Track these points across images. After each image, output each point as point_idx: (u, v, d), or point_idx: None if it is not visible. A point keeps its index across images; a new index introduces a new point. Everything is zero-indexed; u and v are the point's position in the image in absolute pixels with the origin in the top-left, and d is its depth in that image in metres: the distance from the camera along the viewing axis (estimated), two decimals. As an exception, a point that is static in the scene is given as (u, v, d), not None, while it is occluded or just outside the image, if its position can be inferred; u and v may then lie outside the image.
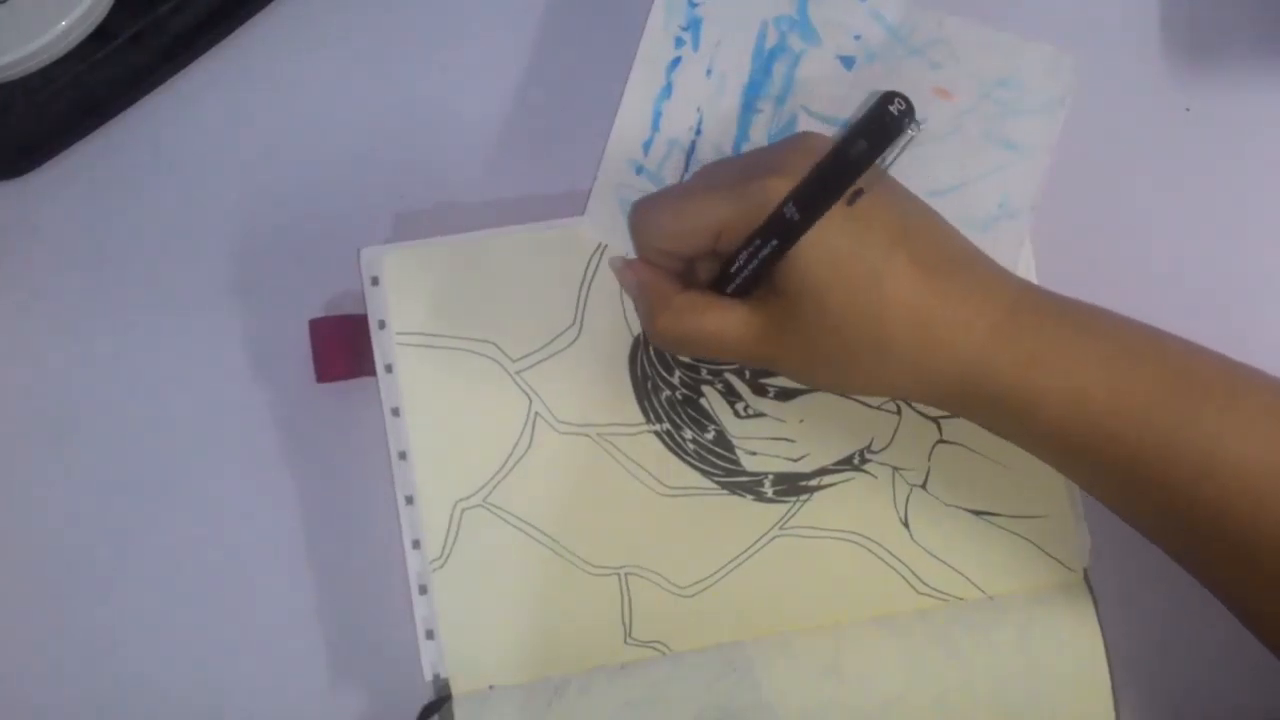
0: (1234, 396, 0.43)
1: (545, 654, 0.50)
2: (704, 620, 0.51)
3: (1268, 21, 0.53)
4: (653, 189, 0.51)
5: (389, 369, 0.50)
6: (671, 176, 0.52)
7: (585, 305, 0.51)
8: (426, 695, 0.51)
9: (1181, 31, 0.53)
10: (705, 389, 0.51)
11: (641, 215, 0.48)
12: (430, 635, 0.50)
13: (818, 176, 0.42)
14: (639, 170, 0.52)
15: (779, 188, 0.43)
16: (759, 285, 0.45)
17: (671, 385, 0.51)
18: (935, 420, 0.52)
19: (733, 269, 0.45)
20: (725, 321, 0.45)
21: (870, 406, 0.51)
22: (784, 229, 0.42)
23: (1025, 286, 0.45)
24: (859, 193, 0.42)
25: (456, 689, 0.50)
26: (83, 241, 0.53)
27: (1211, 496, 0.43)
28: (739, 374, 0.52)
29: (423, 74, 0.53)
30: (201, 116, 0.53)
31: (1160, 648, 0.53)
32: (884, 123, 0.40)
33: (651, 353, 0.51)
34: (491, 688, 0.50)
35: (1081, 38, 0.52)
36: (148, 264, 0.53)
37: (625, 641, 0.51)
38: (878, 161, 0.41)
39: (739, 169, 0.45)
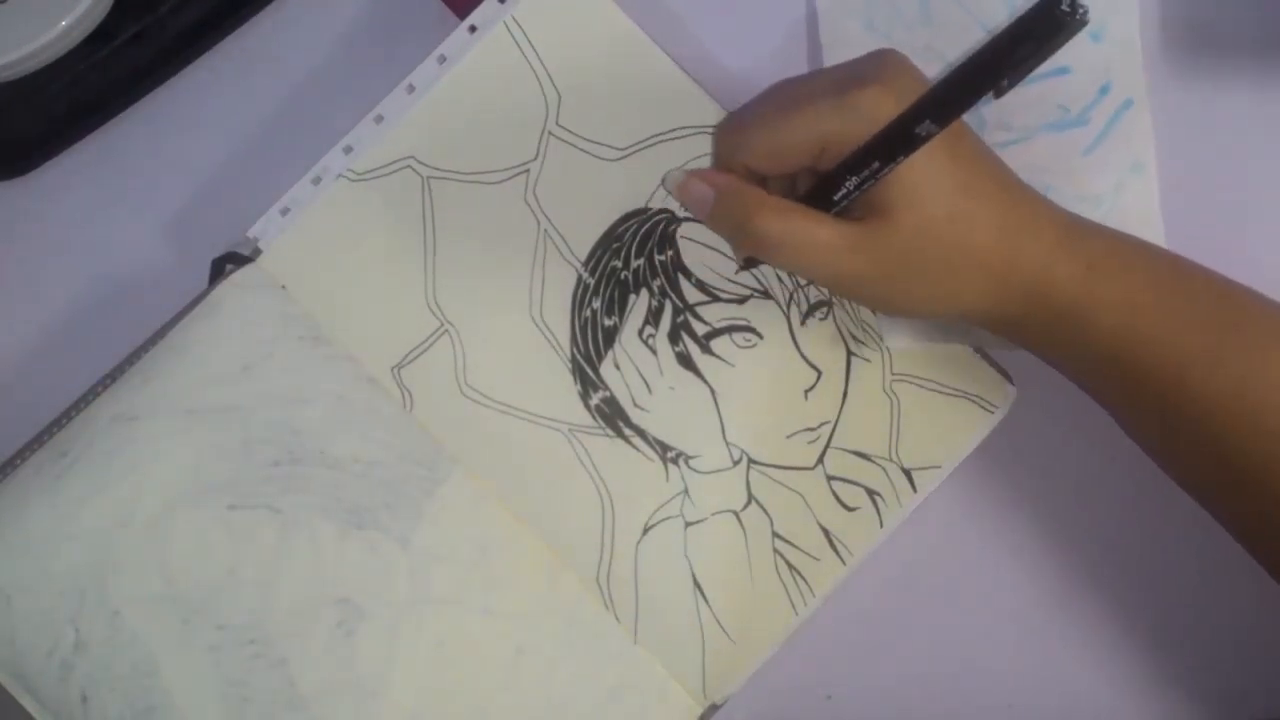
0: (1274, 316, 0.45)
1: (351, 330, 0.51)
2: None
3: (1268, 21, 0.53)
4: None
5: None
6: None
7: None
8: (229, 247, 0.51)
9: (1181, 31, 0.53)
10: (645, 291, 0.51)
11: (733, 133, 0.48)
12: (285, 213, 0.50)
13: (955, 84, 0.42)
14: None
15: (883, 99, 0.43)
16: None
17: (627, 259, 0.51)
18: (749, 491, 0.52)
19: (840, 190, 0.45)
20: (822, 232, 0.45)
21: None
22: (911, 142, 0.42)
23: (1071, 212, 0.47)
24: (1004, 85, 0.42)
25: (261, 262, 0.50)
26: (83, 241, 0.53)
27: (1251, 409, 0.44)
28: (682, 310, 0.51)
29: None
30: (201, 116, 0.53)
31: (1161, 648, 0.53)
32: (1055, 21, 0.39)
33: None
34: (284, 287, 0.50)
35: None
36: (148, 264, 0.53)
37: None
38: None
39: (830, 83, 0.45)
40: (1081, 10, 0.38)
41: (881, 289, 0.47)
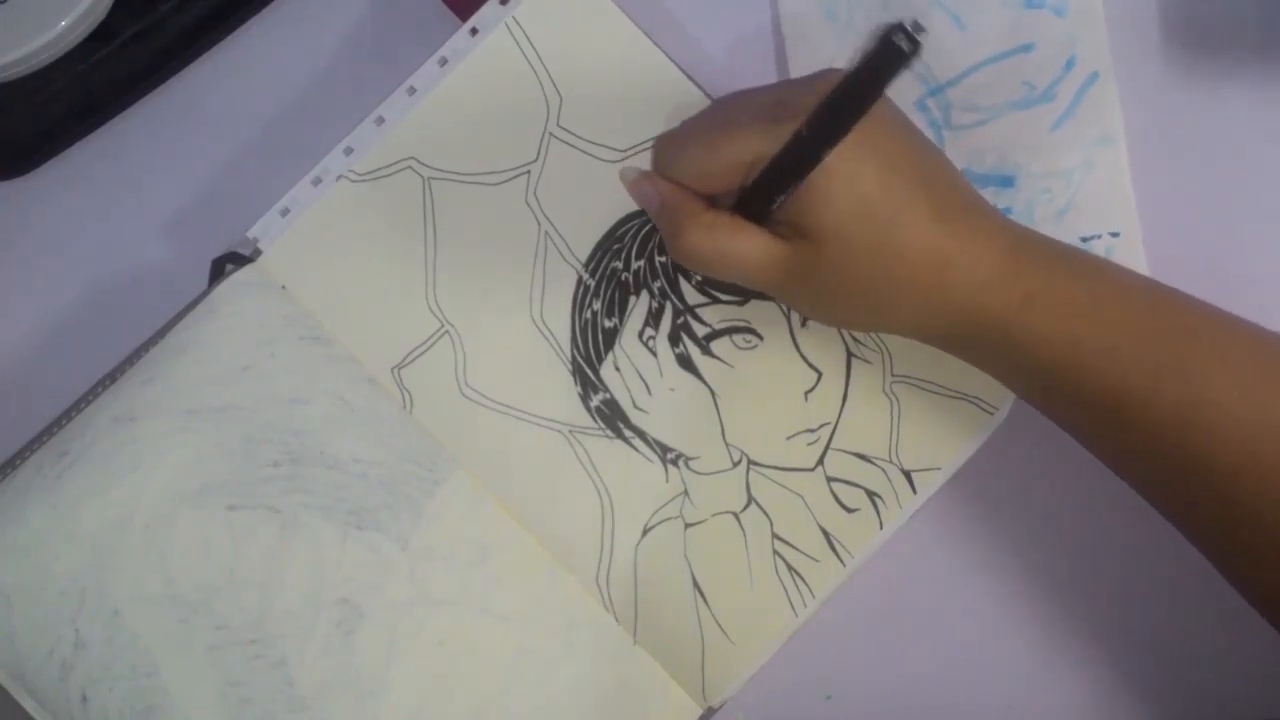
0: (1221, 343, 0.44)
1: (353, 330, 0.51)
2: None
3: (1268, 21, 0.53)
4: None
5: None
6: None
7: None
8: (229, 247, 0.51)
9: (1181, 31, 0.53)
10: (645, 293, 0.52)
11: (671, 150, 0.48)
12: (285, 213, 0.50)
13: (830, 110, 0.42)
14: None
15: None
16: (778, 218, 0.45)
17: (628, 260, 0.51)
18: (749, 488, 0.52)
19: (755, 201, 0.45)
20: (752, 246, 0.46)
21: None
22: (801, 164, 0.43)
23: (1024, 232, 0.46)
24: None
25: (261, 262, 0.50)
26: (83, 241, 0.53)
27: (1195, 440, 0.43)
28: (682, 312, 0.52)
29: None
30: (201, 116, 0.53)
31: (1159, 649, 0.53)
32: (890, 56, 0.40)
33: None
34: (284, 287, 0.50)
35: (1081, 38, 0.52)
36: (148, 264, 0.53)
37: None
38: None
39: (770, 104, 0.45)
40: (921, 33, 0.39)
41: (808, 305, 0.48)
